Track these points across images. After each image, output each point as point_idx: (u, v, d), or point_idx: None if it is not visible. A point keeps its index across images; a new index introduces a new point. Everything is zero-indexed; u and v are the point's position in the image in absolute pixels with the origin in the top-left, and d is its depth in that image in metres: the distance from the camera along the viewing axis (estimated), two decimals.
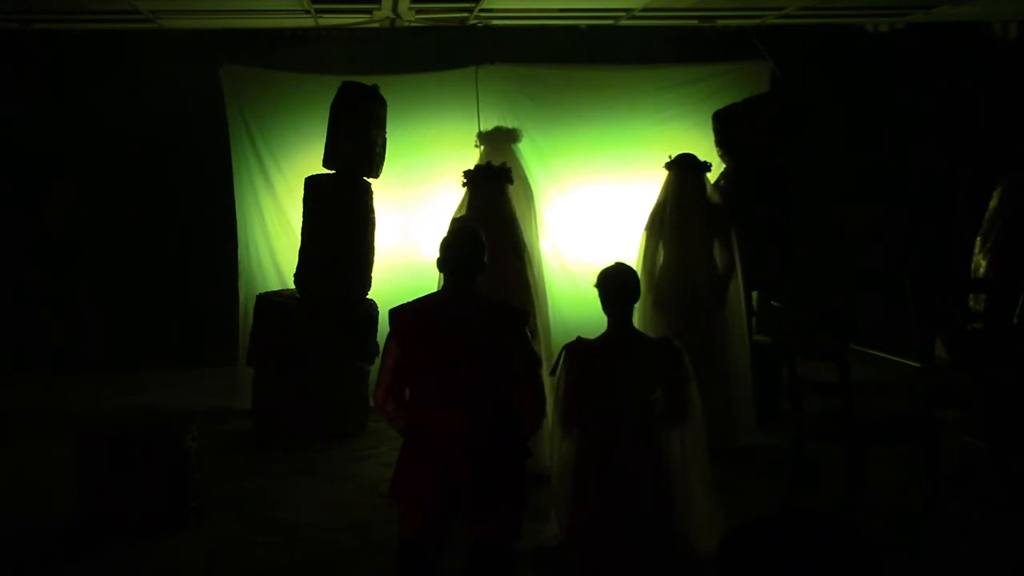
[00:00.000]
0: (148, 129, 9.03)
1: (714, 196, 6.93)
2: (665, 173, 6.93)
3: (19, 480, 6.27)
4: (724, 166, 7.63)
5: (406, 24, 8.21)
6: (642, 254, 6.85)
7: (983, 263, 7.43)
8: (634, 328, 4.68)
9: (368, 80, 7.46)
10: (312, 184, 7.39)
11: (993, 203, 7.46)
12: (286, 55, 8.51)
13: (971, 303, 7.27)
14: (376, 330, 7.33)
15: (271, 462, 6.64)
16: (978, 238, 7.52)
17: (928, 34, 9.29)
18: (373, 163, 7.42)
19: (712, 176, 7.17)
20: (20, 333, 9.06)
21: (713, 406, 6.44)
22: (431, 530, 4.15)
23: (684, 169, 6.85)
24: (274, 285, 7.98)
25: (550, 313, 6.87)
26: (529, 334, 4.31)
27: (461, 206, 6.60)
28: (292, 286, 7.53)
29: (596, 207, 8.25)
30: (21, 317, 9.14)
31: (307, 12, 7.67)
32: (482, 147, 7.21)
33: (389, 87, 7.58)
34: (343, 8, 7.71)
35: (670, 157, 6.90)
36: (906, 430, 5.63)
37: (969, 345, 6.62)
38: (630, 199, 8.00)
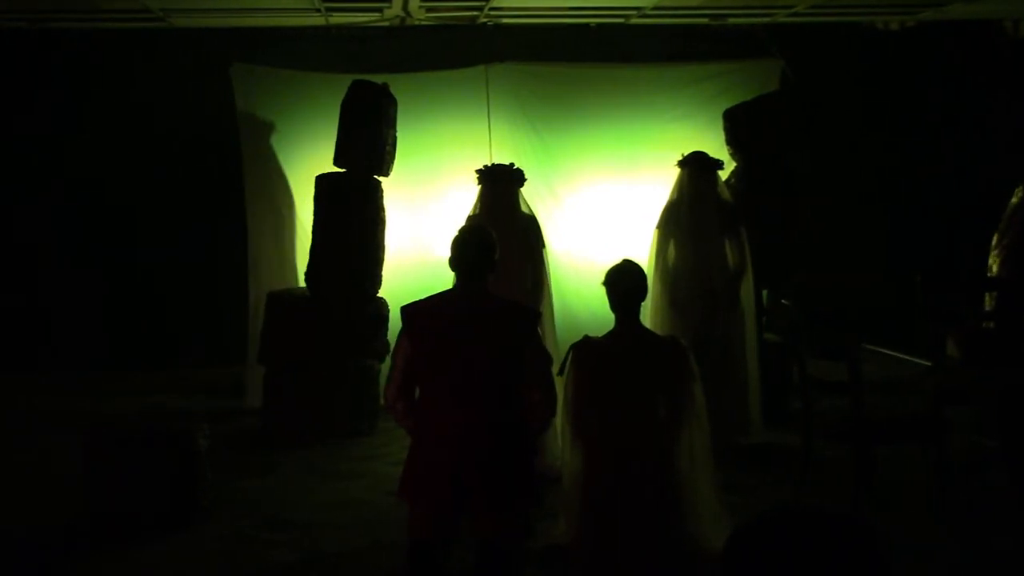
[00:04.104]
0: (158, 128, 9.03)
1: (725, 194, 6.92)
2: (676, 171, 6.90)
3: (24, 480, 6.26)
4: (734, 164, 7.62)
5: (416, 23, 8.21)
6: (654, 253, 6.83)
7: (996, 261, 7.38)
8: (642, 326, 4.67)
9: (378, 78, 7.48)
10: (323, 183, 7.40)
11: (1014, 200, 7.37)
12: (296, 54, 8.51)
13: (987, 302, 7.22)
14: (387, 329, 7.34)
15: (281, 460, 6.65)
16: (995, 236, 7.46)
17: (940, 32, 9.25)
18: (383, 161, 7.44)
19: (723, 175, 7.15)
20: (23, 332, 9.04)
21: (729, 404, 6.45)
22: (440, 529, 4.15)
23: (698, 167, 6.82)
24: (284, 283, 7.99)
25: (560, 312, 6.86)
26: (541, 333, 4.30)
27: (476, 204, 6.60)
28: (303, 284, 7.55)
29: (606, 205, 8.23)
30: (23, 316, 9.11)
31: (317, 10, 7.68)
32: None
33: (399, 85, 7.59)
34: (353, 6, 7.71)
35: (682, 155, 6.88)
36: (915, 429, 5.62)
37: (980, 344, 6.60)
38: (640, 198, 7.99)
